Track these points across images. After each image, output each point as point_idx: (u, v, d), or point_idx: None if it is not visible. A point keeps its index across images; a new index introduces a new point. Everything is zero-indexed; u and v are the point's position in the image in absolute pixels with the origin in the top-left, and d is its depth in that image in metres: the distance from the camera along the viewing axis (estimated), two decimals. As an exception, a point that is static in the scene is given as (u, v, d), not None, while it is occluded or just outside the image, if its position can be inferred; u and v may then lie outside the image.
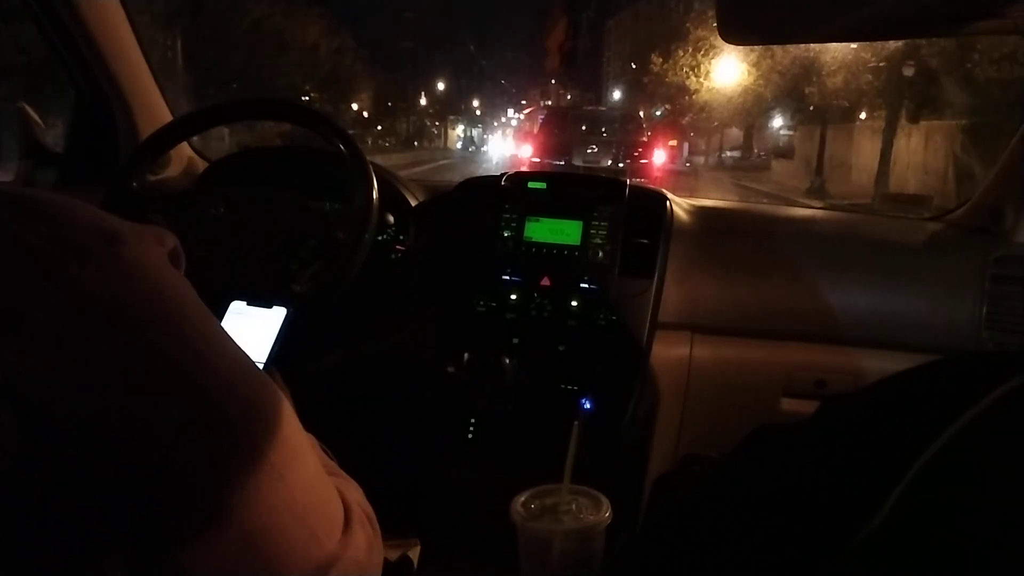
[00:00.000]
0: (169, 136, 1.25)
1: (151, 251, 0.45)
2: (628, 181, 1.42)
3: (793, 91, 16.74)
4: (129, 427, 0.40)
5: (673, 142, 23.26)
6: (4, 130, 1.67)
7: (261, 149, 1.60)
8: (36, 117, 1.68)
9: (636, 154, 11.91)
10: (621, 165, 11.63)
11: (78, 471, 0.39)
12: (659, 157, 12.77)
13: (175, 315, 0.44)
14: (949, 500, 0.40)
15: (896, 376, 0.67)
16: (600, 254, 1.32)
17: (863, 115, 16.82)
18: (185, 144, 1.62)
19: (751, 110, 20.82)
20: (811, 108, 16.92)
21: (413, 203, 1.41)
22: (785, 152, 24.32)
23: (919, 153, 13.76)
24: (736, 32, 0.67)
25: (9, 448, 0.36)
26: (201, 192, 1.20)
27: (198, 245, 1.13)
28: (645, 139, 12.43)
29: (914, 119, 13.35)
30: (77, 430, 0.39)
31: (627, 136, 12.23)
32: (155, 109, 1.62)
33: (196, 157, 1.68)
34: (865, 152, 16.71)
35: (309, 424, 0.59)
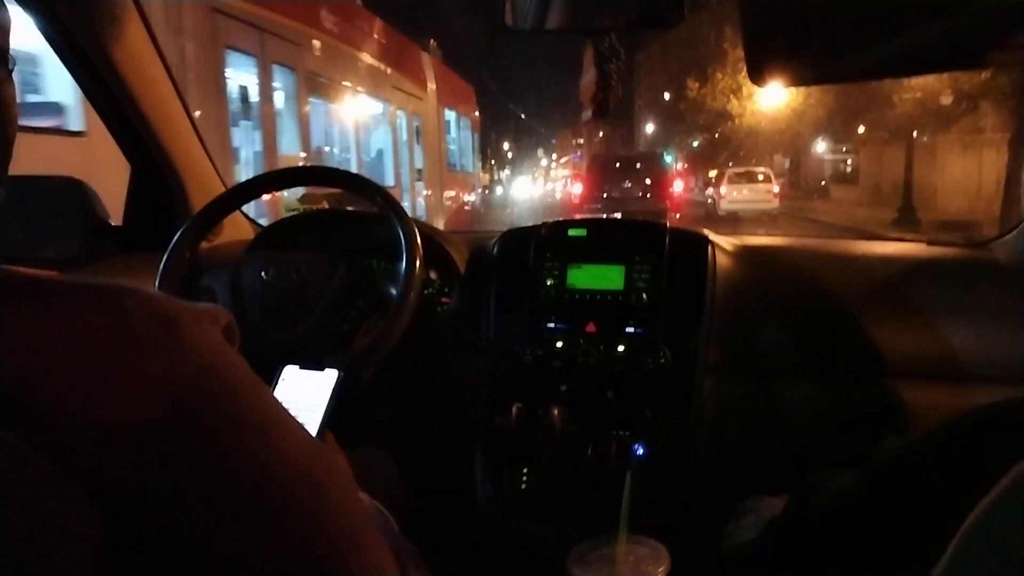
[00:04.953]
0: (221, 207, 1.30)
1: (207, 331, 0.47)
2: (668, 224, 1.42)
3: (856, 106, 16.00)
4: (196, 510, 0.42)
5: (713, 172, 23.04)
6: (68, 205, 1.75)
7: (308, 214, 1.65)
8: (95, 191, 1.76)
9: (659, 186, 15.61)
10: (648, 196, 15.28)
11: (154, 556, 0.41)
12: (677, 187, 17.19)
13: (233, 394, 0.46)
14: (1008, 545, 0.39)
15: (954, 421, 0.66)
16: (644, 298, 1.32)
17: (915, 133, 15.61)
18: (237, 211, 1.68)
19: (801, 133, 20.13)
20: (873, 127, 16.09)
21: (455, 256, 1.44)
22: (844, 176, 23.08)
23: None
24: (766, 73, 0.68)
25: (93, 540, 0.38)
26: (251, 258, 1.24)
27: (250, 311, 1.17)
28: (665, 176, 16.42)
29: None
30: (150, 517, 0.40)
31: (653, 174, 15.89)
32: (207, 180, 1.69)
33: (247, 223, 1.74)
34: (953, 172, 15.28)
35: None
